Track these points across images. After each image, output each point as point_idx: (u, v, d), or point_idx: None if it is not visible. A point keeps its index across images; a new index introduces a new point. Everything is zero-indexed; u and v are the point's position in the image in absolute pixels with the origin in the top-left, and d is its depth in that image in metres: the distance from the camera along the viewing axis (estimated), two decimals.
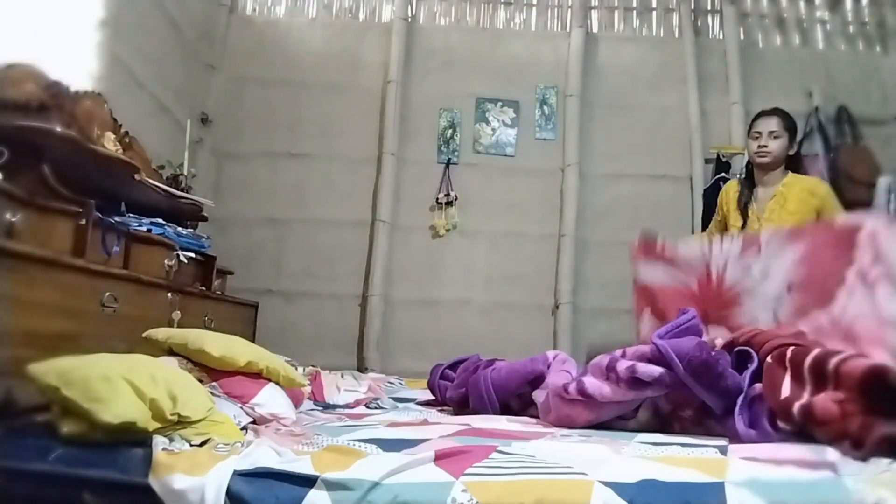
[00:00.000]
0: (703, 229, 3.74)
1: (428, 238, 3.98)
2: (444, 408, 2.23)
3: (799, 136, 2.66)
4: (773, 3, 4.29)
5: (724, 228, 2.72)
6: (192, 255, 2.59)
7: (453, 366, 2.38)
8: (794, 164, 2.63)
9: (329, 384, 2.41)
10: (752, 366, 1.56)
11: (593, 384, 1.69)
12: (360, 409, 2.18)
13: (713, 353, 1.57)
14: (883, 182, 3.52)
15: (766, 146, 2.56)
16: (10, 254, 1.41)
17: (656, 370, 1.59)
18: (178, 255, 2.43)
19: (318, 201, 4.00)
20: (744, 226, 2.60)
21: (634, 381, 1.62)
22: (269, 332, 3.44)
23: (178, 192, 2.65)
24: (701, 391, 1.53)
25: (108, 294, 1.78)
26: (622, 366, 1.64)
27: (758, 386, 1.52)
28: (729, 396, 1.51)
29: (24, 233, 1.57)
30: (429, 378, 2.42)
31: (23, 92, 1.77)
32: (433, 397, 2.37)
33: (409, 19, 4.21)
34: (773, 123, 2.58)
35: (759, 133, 2.59)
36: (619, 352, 1.72)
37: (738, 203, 2.66)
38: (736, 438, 1.43)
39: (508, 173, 4.05)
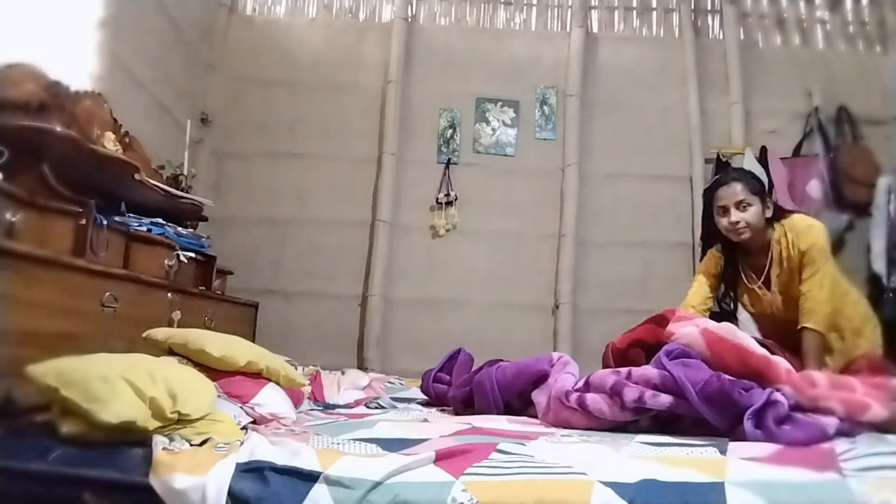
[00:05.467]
0: (703, 230, 3.73)
1: (428, 238, 3.98)
2: (445, 407, 2.23)
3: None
4: (773, 3, 4.28)
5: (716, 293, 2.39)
6: (192, 255, 2.59)
7: (443, 367, 2.41)
8: (776, 215, 2.24)
9: (329, 384, 2.41)
10: (770, 391, 1.51)
11: (594, 401, 1.67)
12: (360, 409, 2.19)
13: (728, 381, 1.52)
14: (883, 182, 3.52)
15: (737, 222, 2.17)
16: (10, 254, 1.41)
17: (666, 400, 1.56)
18: (178, 255, 2.43)
19: (318, 201, 4.00)
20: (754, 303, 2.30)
21: (639, 409, 1.61)
22: (269, 332, 3.43)
23: (178, 192, 2.65)
24: (714, 417, 1.50)
25: (108, 294, 1.78)
26: (629, 396, 1.60)
27: (769, 390, 1.50)
28: (740, 418, 1.46)
29: (24, 233, 1.57)
30: (421, 383, 2.43)
31: (23, 92, 1.77)
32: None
33: (409, 19, 4.20)
34: (737, 192, 2.18)
35: (726, 207, 2.20)
36: (624, 372, 1.69)
37: (728, 284, 2.35)
38: (740, 437, 1.42)
39: (508, 173, 4.04)
